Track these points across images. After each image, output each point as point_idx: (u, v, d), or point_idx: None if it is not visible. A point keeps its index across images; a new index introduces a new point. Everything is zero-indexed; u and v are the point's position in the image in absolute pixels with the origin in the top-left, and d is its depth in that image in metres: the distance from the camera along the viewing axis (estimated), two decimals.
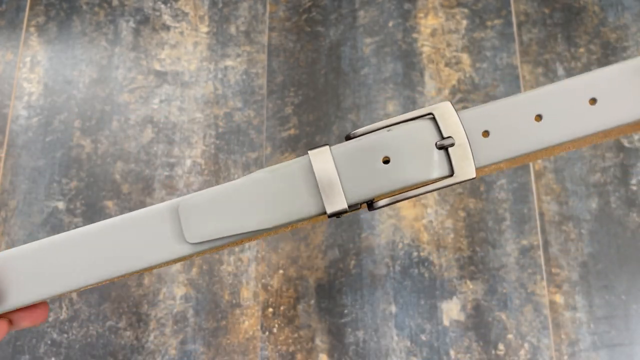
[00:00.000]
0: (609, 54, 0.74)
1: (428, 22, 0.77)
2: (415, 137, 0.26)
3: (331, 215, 0.26)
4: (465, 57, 0.75)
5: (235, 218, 0.26)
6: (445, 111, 0.27)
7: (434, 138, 0.26)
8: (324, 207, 0.26)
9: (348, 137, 0.27)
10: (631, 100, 0.26)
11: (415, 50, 0.76)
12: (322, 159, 0.26)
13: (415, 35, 0.77)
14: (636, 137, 0.71)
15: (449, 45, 0.76)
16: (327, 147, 0.26)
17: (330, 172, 0.26)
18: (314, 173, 0.26)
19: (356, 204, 0.26)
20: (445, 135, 0.26)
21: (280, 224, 0.26)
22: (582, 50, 0.74)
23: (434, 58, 0.76)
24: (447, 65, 0.75)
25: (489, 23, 0.76)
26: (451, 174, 0.26)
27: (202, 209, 0.26)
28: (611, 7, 0.76)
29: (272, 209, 0.26)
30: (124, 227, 0.27)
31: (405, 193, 0.26)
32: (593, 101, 0.26)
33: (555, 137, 0.26)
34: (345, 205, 0.26)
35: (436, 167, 0.26)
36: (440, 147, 0.26)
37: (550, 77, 0.74)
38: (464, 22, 0.77)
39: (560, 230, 0.68)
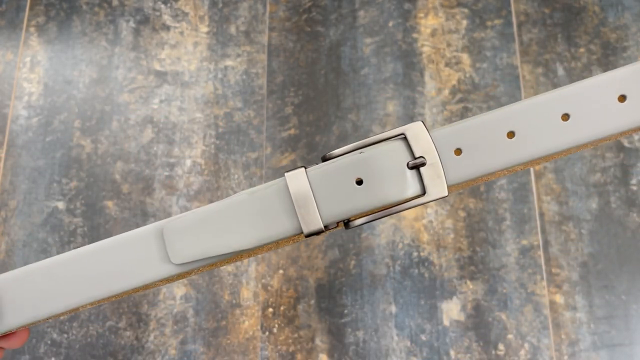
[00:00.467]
0: (609, 54, 0.74)
1: (428, 22, 0.77)
2: (387, 158, 0.27)
3: (308, 235, 0.27)
4: (465, 57, 0.75)
5: (217, 240, 0.27)
6: (417, 131, 0.27)
7: (406, 158, 0.27)
8: (300, 228, 0.27)
9: (324, 158, 0.28)
10: (603, 115, 0.26)
11: (415, 50, 0.76)
12: (297, 180, 0.27)
13: (415, 35, 0.77)
14: (636, 137, 0.71)
15: (449, 45, 0.76)
16: (303, 169, 0.27)
17: (306, 193, 0.27)
18: (290, 195, 0.27)
19: (332, 224, 0.27)
20: (416, 155, 0.27)
21: (259, 244, 0.27)
22: (582, 50, 0.74)
23: (434, 58, 0.76)
24: (447, 65, 0.75)
25: (489, 23, 0.76)
26: (423, 192, 0.27)
27: (185, 231, 0.28)
28: (611, 7, 0.76)
29: (252, 230, 0.27)
30: (112, 250, 0.28)
31: (379, 213, 0.27)
32: (566, 117, 0.26)
33: (528, 154, 0.26)
34: (320, 225, 0.26)
35: (408, 187, 0.26)
36: (412, 167, 0.27)
37: (551, 77, 0.74)
38: (464, 22, 0.77)
39: (560, 230, 0.68)
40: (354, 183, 0.27)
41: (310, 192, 0.27)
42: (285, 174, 0.27)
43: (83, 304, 0.28)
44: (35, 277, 0.28)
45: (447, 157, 0.27)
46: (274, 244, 0.28)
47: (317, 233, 0.27)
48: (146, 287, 0.28)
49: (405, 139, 0.27)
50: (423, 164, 0.26)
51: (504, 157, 0.26)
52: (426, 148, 0.27)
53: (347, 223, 0.27)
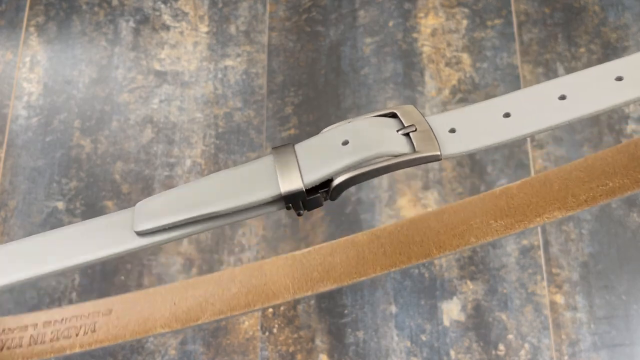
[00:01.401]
0: (609, 54, 0.74)
1: (428, 22, 0.77)
2: (376, 124, 0.26)
3: (288, 200, 0.25)
4: (465, 57, 0.75)
5: (186, 207, 0.26)
6: (408, 109, 0.26)
7: (396, 127, 0.26)
8: (279, 188, 0.25)
9: None
10: (597, 94, 0.26)
11: (416, 50, 0.76)
12: (283, 152, 0.26)
13: (415, 35, 0.77)
14: (636, 137, 0.71)
15: (449, 45, 0.76)
16: (291, 144, 0.26)
17: (290, 160, 0.25)
18: (274, 164, 0.25)
19: (314, 187, 0.25)
20: (407, 124, 0.26)
21: (232, 207, 0.25)
22: (582, 50, 0.74)
23: (434, 58, 0.75)
24: (447, 65, 0.75)
25: (489, 23, 0.76)
26: (413, 151, 0.25)
27: (156, 201, 0.26)
28: (611, 7, 0.76)
29: (226, 195, 0.25)
30: (84, 226, 0.27)
31: (363, 168, 0.25)
32: (562, 97, 0.26)
33: (523, 130, 0.26)
34: (300, 185, 0.25)
35: (396, 143, 0.25)
36: (403, 134, 0.25)
37: (551, 77, 0.74)
38: (464, 22, 0.77)
39: (560, 230, 0.68)
40: (340, 144, 0.25)
41: (294, 159, 0.25)
42: (272, 149, 0.26)
43: (53, 270, 0.27)
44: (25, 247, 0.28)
45: (441, 133, 0.26)
46: (251, 212, 0.26)
47: (297, 197, 0.25)
48: (109, 257, 0.28)
49: (396, 116, 0.26)
50: (414, 131, 0.25)
51: (499, 133, 0.26)
52: (417, 120, 0.26)
53: (329, 191, 0.25)
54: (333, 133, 0.26)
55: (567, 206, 0.31)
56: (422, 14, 0.77)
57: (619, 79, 0.26)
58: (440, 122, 0.26)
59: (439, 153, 0.25)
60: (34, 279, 0.27)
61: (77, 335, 0.31)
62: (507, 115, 0.26)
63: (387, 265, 0.31)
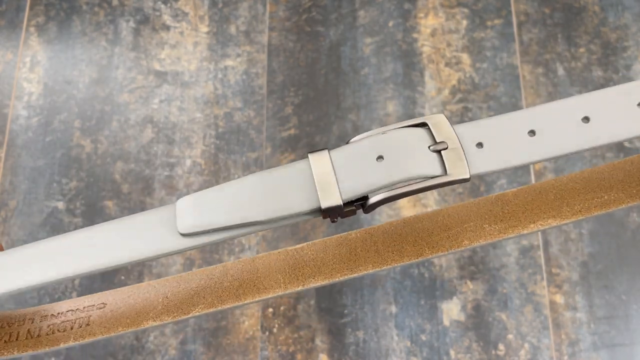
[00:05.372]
0: (609, 54, 0.74)
1: (428, 22, 0.77)
2: (409, 138, 0.27)
3: (326, 212, 0.26)
4: (465, 57, 0.75)
5: (229, 211, 0.27)
6: (439, 120, 0.28)
7: (428, 142, 0.27)
8: (318, 202, 0.26)
9: (347, 143, 0.28)
10: (622, 119, 0.27)
11: (416, 50, 0.76)
12: (320, 160, 0.27)
13: (415, 35, 0.77)
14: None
15: (449, 45, 0.76)
16: (326, 150, 0.27)
17: (327, 171, 0.27)
18: (312, 173, 0.27)
19: (351, 201, 0.27)
20: (438, 140, 0.27)
21: (273, 217, 0.26)
22: (582, 50, 0.74)
23: (434, 58, 0.76)
24: (447, 65, 0.75)
25: (489, 23, 0.76)
26: (444, 173, 0.26)
27: (199, 202, 0.27)
28: (611, 7, 0.76)
29: (267, 203, 0.27)
30: (121, 224, 0.28)
31: (397, 190, 0.26)
32: (586, 119, 0.27)
33: (548, 152, 0.27)
34: (339, 201, 0.26)
35: (429, 164, 0.26)
36: (434, 151, 0.27)
37: (551, 77, 0.74)
38: (464, 22, 0.77)
39: (560, 230, 0.68)
40: (375, 160, 0.27)
41: (332, 171, 0.27)
42: (309, 154, 0.27)
43: (86, 271, 0.28)
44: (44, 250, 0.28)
45: (469, 148, 0.27)
46: (289, 220, 0.27)
47: (335, 211, 0.26)
48: (151, 259, 0.28)
49: (427, 127, 0.27)
50: (445, 148, 0.27)
51: (525, 153, 0.27)
52: (448, 135, 0.27)
53: (364, 205, 0.27)
54: (367, 145, 0.27)
55: (561, 215, 0.32)
56: (422, 14, 0.77)
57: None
58: (469, 135, 0.27)
59: (468, 177, 0.26)
60: (78, 275, 0.28)
61: (71, 328, 0.32)
62: (532, 132, 0.27)
63: (379, 263, 0.31)
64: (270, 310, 0.67)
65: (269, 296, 0.31)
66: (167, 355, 0.66)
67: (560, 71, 0.74)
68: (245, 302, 0.32)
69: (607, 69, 0.74)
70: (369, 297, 0.67)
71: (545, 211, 0.33)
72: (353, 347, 0.66)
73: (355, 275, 0.31)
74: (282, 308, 0.68)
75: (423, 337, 0.66)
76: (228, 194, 0.27)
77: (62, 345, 0.31)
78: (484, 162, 0.27)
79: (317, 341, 0.66)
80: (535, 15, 0.76)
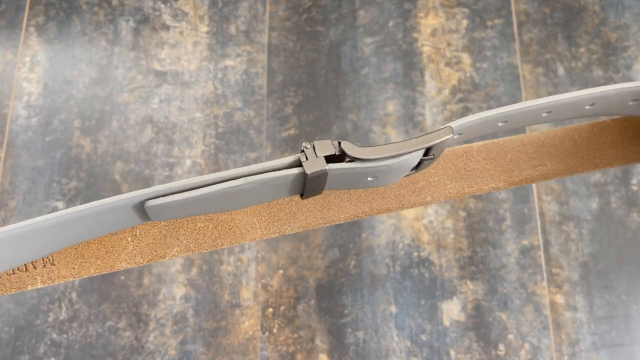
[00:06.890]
0: (609, 54, 0.74)
1: (428, 22, 0.77)
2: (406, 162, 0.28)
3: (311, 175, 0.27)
4: (465, 57, 0.75)
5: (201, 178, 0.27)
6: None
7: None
8: (300, 161, 0.27)
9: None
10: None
11: (416, 50, 0.76)
12: (315, 162, 0.27)
13: (415, 35, 0.77)
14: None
15: (449, 45, 0.76)
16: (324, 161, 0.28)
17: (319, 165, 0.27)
18: (304, 172, 0.27)
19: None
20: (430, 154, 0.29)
21: (251, 172, 0.26)
22: (582, 50, 0.74)
23: (434, 58, 0.75)
24: (447, 65, 0.75)
25: (489, 23, 0.76)
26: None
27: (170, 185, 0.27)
28: (611, 7, 0.76)
29: (247, 168, 0.27)
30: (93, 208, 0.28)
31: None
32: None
33: None
34: (324, 166, 0.26)
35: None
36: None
37: (551, 76, 0.74)
38: (464, 22, 0.77)
39: (560, 230, 0.68)
40: (367, 179, 0.28)
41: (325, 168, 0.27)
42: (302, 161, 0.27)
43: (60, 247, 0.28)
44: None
45: None
46: (270, 184, 0.27)
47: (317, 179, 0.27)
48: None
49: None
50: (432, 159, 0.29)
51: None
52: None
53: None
54: (363, 171, 0.28)
55: (510, 180, 0.34)
56: (422, 14, 0.77)
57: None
58: None
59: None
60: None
61: (35, 268, 0.30)
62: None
63: (352, 215, 0.32)
64: (270, 310, 0.67)
65: (246, 241, 0.31)
66: (167, 355, 0.66)
67: (561, 71, 0.74)
68: (223, 247, 0.31)
69: (607, 69, 0.74)
70: (369, 297, 0.67)
71: (500, 173, 0.34)
72: (353, 347, 0.66)
73: (329, 225, 0.32)
74: (282, 308, 0.67)
75: (423, 337, 0.66)
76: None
77: (29, 288, 0.30)
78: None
79: (317, 341, 0.66)
80: (535, 15, 0.76)
